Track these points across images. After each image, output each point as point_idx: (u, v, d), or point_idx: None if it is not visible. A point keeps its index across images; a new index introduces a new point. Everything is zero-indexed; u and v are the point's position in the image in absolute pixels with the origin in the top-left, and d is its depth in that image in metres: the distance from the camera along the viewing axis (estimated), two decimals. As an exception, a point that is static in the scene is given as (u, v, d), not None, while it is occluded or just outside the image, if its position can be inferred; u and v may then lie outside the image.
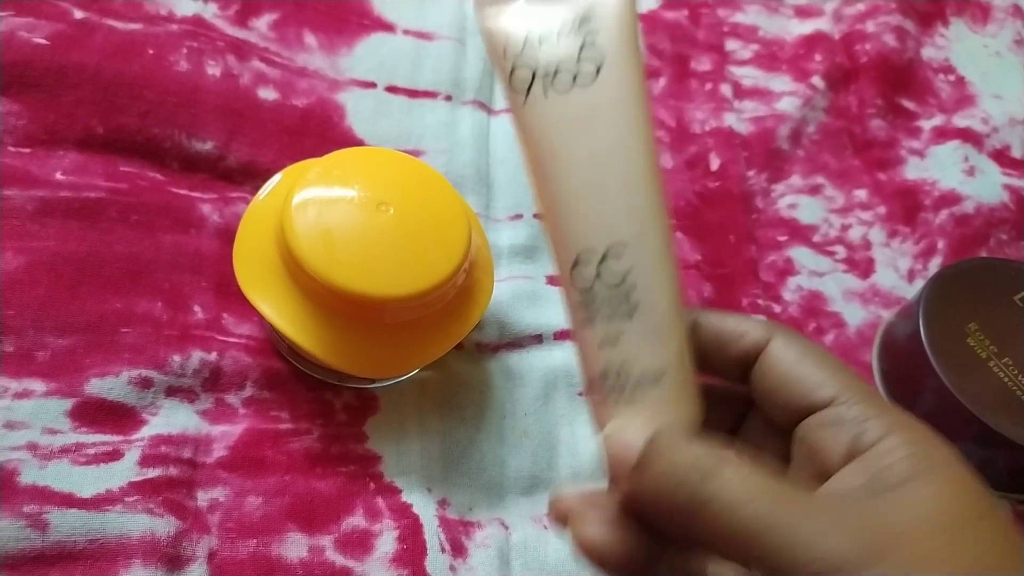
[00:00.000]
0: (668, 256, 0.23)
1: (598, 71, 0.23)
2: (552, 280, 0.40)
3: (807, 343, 0.24)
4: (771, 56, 0.54)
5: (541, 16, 0.24)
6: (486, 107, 0.44)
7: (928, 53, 0.57)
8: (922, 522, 0.19)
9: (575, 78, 0.23)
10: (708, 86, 0.51)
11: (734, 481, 0.19)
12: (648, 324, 0.22)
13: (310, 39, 0.42)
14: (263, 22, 0.41)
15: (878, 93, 0.53)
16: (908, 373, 0.42)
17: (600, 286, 0.22)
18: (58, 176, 0.33)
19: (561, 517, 0.22)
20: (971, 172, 0.51)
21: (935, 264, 0.48)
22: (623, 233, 0.22)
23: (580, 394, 0.37)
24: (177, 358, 0.31)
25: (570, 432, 0.36)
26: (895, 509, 0.19)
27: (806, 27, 0.56)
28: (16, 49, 0.34)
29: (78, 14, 0.36)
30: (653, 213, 0.23)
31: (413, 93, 0.42)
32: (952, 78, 0.57)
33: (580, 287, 0.22)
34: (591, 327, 0.22)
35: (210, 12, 0.40)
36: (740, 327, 0.24)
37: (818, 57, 0.54)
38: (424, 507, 0.32)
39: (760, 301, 0.43)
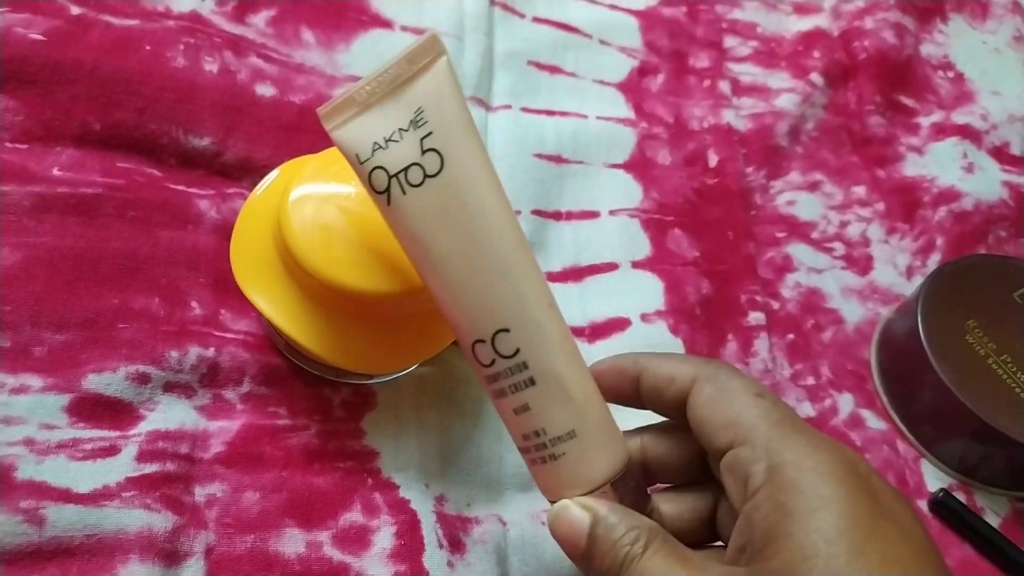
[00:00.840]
0: (552, 324, 0.25)
1: (442, 160, 0.24)
2: (550, 276, 0.40)
3: (725, 381, 0.24)
4: (770, 53, 0.54)
5: (381, 120, 0.25)
6: (484, 104, 0.44)
7: (927, 50, 0.57)
8: None
9: (424, 171, 0.24)
10: (706, 83, 0.51)
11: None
12: (550, 389, 0.24)
13: (308, 35, 0.41)
14: (260, 18, 0.41)
15: (877, 90, 0.53)
16: (907, 370, 0.42)
17: (500, 364, 0.24)
18: (55, 172, 0.33)
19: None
20: (970, 169, 0.51)
21: (934, 261, 0.48)
22: (503, 319, 0.24)
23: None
24: (174, 354, 0.31)
25: (568, 428, 0.36)
26: None
27: (805, 24, 0.56)
28: (13, 45, 0.34)
29: (75, 10, 0.36)
30: (527, 289, 0.25)
31: (411, 89, 0.42)
32: (951, 74, 0.57)
33: (484, 365, 0.25)
34: (505, 398, 0.25)
35: (207, 8, 0.40)
36: (673, 371, 0.25)
37: (817, 54, 0.54)
38: (422, 503, 0.32)
39: (758, 298, 0.43)
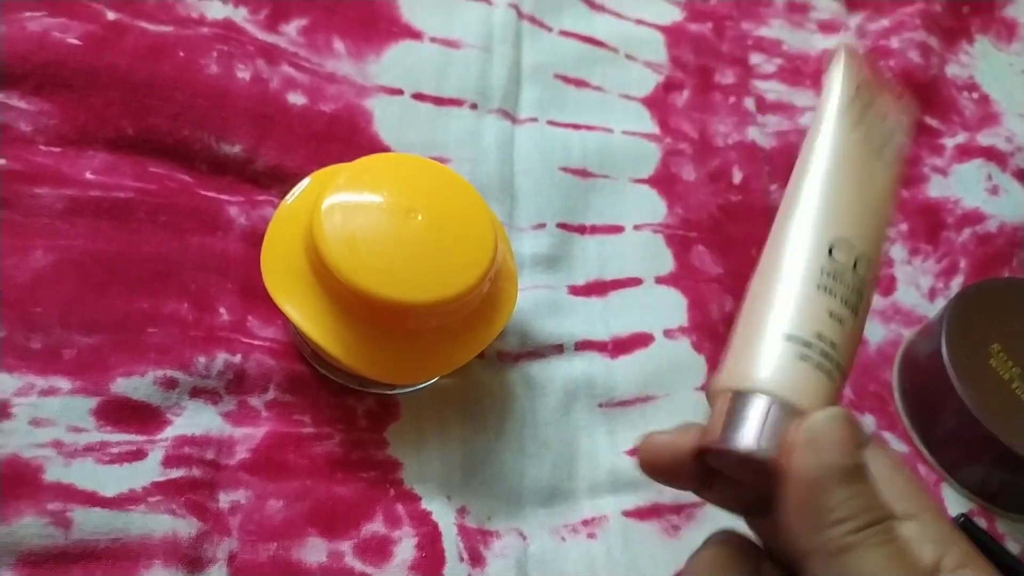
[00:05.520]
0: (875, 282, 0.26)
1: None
2: (574, 290, 0.40)
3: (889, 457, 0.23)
4: (795, 70, 0.54)
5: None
6: (511, 116, 0.44)
7: (952, 70, 0.57)
8: None
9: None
10: (731, 99, 0.51)
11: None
12: (856, 329, 0.24)
13: (339, 45, 0.42)
14: (293, 27, 0.41)
15: (902, 110, 0.53)
16: (929, 393, 0.41)
17: (849, 275, 0.24)
18: (88, 176, 0.34)
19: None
20: (995, 191, 0.51)
21: (957, 283, 0.47)
22: (867, 243, 0.25)
23: (600, 405, 0.37)
24: (202, 359, 0.31)
25: (590, 443, 0.36)
26: None
27: (830, 42, 0.56)
28: (49, 49, 0.35)
29: (110, 15, 0.37)
30: (883, 234, 0.26)
31: (439, 101, 0.42)
32: (976, 96, 0.57)
33: (833, 269, 0.24)
34: (832, 297, 0.24)
35: (240, 16, 0.40)
36: None
37: (842, 73, 0.54)
38: (443, 515, 0.32)
39: (781, 316, 0.43)
